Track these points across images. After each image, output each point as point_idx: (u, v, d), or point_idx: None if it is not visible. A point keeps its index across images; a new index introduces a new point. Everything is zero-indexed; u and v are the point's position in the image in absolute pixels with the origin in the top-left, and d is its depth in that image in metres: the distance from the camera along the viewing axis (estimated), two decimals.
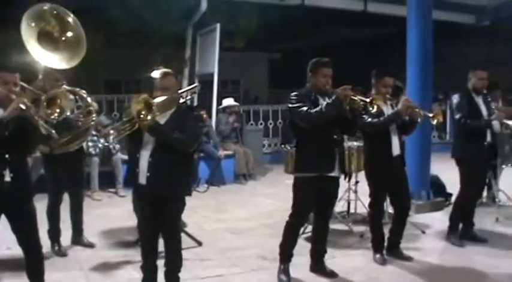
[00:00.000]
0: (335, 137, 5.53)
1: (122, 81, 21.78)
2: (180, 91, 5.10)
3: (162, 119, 4.80)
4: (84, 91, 6.58)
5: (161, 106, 4.73)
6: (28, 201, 4.62)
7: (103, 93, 16.11)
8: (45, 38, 5.68)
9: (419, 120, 6.20)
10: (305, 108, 5.37)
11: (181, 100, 5.16)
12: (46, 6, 5.63)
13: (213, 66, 12.49)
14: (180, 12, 13.81)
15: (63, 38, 5.79)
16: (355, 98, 5.42)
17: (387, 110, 6.11)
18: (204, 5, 12.93)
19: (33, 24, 5.49)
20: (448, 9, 14.37)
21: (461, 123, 6.67)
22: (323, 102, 5.41)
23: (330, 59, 5.65)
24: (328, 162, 5.47)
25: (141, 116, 4.55)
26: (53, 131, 4.69)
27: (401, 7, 9.83)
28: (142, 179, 4.79)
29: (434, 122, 6.26)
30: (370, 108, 5.48)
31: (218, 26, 12.50)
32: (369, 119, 6.00)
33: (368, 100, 5.45)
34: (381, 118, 6.00)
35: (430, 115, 6.19)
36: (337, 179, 5.67)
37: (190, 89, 5.52)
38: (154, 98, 4.73)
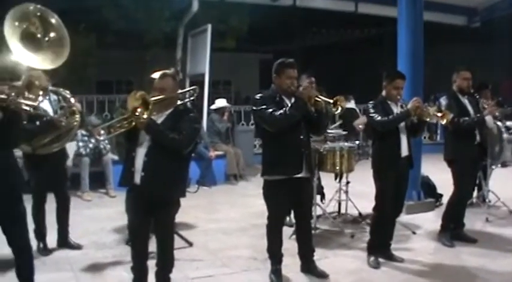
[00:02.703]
0: (301, 137, 5.51)
1: (113, 81, 21.74)
2: (178, 91, 5.11)
3: (158, 119, 4.82)
4: (67, 91, 6.57)
5: (158, 105, 4.75)
6: (17, 201, 4.59)
7: (94, 93, 16.10)
8: (28, 39, 5.67)
9: (428, 119, 6.18)
10: (269, 111, 5.35)
11: (179, 102, 5.16)
12: (31, 7, 5.61)
13: (204, 67, 12.50)
14: (171, 13, 13.82)
15: (46, 39, 5.78)
16: (319, 100, 5.41)
17: (397, 111, 6.11)
18: (195, 6, 12.95)
19: (16, 24, 5.47)
20: (439, 10, 14.39)
21: (455, 123, 6.68)
22: (288, 104, 5.40)
23: (294, 60, 5.59)
24: (295, 163, 5.46)
25: (137, 113, 4.55)
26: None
27: (392, 8, 9.84)
28: (137, 179, 4.78)
29: (444, 121, 6.24)
30: (334, 109, 5.44)
31: (209, 26, 12.51)
32: (378, 118, 6.02)
33: (331, 101, 5.41)
34: (390, 116, 6.00)
35: (439, 115, 6.18)
36: (306, 179, 5.65)
37: (188, 90, 5.51)
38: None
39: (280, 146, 5.46)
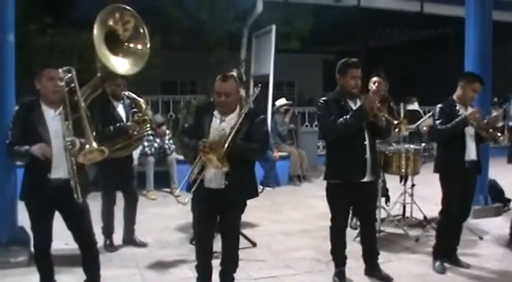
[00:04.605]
0: (365, 143, 5.43)
1: (177, 82, 21.99)
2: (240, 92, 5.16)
3: (229, 122, 4.85)
4: (142, 100, 6.73)
5: (224, 108, 4.87)
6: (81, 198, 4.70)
7: (159, 94, 16.33)
8: (113, 41, 5.84)
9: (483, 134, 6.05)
10: (330, 119, 5.33)
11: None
12: (128, 8, 5.82)
13: (268, 68, 12.52)
14: (235, 14, 13.90)
15: (132, 45, 5.95)
16: (380, 115, 5.35)
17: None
18: (259, 7, 13.00)
19: (108, 23, 5.66)
20: (508, 9, 14.05)
21: None
22: (350, 112, 5.32)
23: (358, 60, 5.52)
24: (358, 169, 5.41)
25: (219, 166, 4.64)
26: None
27: (459, 7, 9.67)
28: (210, 184, 4.86)
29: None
30: (395, 130, 5.41)
31: (273, 27, 12.52)
32: (439, 126, 5.94)
33: (395, 122, 5.40)
34: (448, 125, 5.87)
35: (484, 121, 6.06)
36: (371, 182, 5.58)
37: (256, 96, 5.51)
38: (215, 101, 4.87)
39: (342, 151, 5.43)
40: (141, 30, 5.99)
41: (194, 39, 14.79)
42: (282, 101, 12.36)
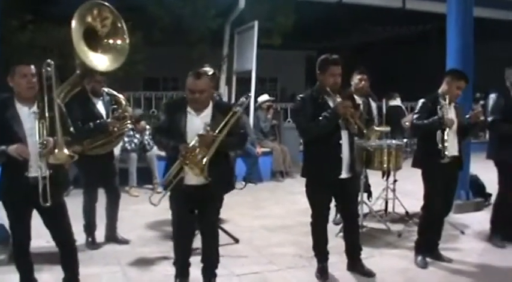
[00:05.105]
0: (340, 142, 5.39)
1: (159, 78, 21.93)
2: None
3: (204, 119, 4.86)
4: (122, 96, 6.69)
5: (197, 105, 4.87)
6: (58, 196, 4.66)
7: (141, 90, 16.27)
8: (92, 38, 5.80)
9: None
10: (305, 120, 5.35)
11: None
12: (106, 4, 5.77)
13: (251, 64, 12.53)
14: (218, 10, 13.86)
15: (111, 42, 5.91)
16: (351, 121, 5.33)
17: (450, 113, 5.95)
18: (242, 3, 12.98)
19: (87, 20, 5.61)
20: (489, 5, 14.12)
21: (494, 127, 6.58)
22: (327, 110, 5.31)
23: (338, 57, 5.47)
24: (333, 167, 5.39)
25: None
26: None
27: (441, 4, 9.70)
28: (191, 180, 4.85)
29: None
30: (362, 138, 5.43)
31: (256, 23, 12.51)
32: (415, 121, 5.97)
33: (364, 131, 5.43)
34: (426, 121, 5.88)
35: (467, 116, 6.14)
36: (350, 178, 5.55)
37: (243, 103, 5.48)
38: (188, 99, 4.87)
39: (318, 149, 5.43)
40: (119, 25, 5.95)
41: (176, 36, 14.72)
42: (264, 97, 12.37)
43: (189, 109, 4.91)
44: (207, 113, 4.92)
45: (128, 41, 5.98)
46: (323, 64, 5.46)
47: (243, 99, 5.26)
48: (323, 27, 18.66)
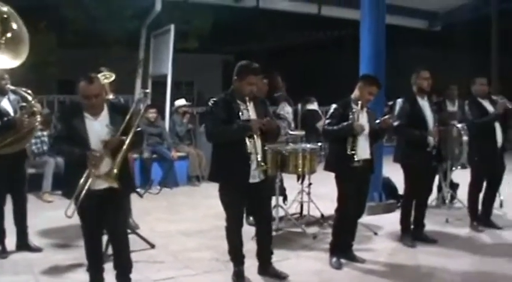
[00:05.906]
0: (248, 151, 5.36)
1: (75, 81, 21.40)
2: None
3: (103, 121, 4.85)
4: (29, 91, 6.48)
5: (94, 110, 4.86)
6: None
7: (56, 93, 15.86)
8: None
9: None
10: (214, 123, 5.36)
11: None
12: None
13: (166, 68, 12.44)
14: (133, 12, 13.69)
15: (3, 38, 5.72)
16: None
17: (362, 118, 6.04)
18: (158, 6, 12.84)
19: None
20: (401, 14, 14.55)
21: (399, 131, 6.81)
22: (238, 114, 5.33)
23: (259, 66, 5.46)
24: (240, 172, 5.38)
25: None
26: None
27: (355, 11, 9.90)
28: (99, 185, 4.80)
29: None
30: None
31: (172, 27, 12.44)
32: (327, 127, 6.07)
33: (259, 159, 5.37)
34: (340, 125, 5.95)
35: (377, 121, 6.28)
36: (262, 182, 5.53)
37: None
38: (83, 104, 4.82)
39: (225, 154, 5.42)
40: (5, 16, 5.76)
41: (91, 38, 14.46)
42: (181, 102, 12.32)
43: (85, 114, 4.85)
44: (104, 115, 4.90)
45: (19, 27, 5.77)
46: (242, 71, 5.42)
47: (140, 95, 5.25)
48: (240, 32, 18.76)
